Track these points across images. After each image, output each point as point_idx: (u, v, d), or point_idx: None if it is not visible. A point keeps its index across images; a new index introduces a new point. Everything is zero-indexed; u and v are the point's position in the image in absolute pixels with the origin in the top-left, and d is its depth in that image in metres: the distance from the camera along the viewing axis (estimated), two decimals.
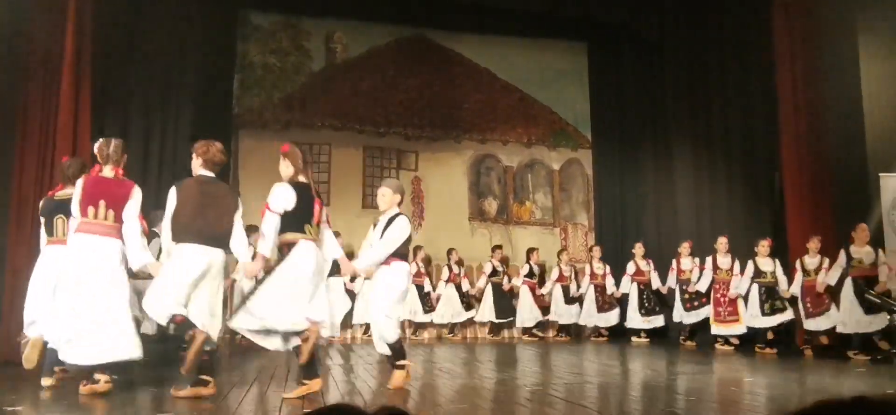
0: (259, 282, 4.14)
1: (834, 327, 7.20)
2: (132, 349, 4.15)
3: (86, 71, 6.51)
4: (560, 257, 10.16)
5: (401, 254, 4.59)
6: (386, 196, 4.71)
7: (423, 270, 9.81)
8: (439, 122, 10.88)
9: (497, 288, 9.93)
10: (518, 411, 3.93)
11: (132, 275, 6.01)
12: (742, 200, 8.79)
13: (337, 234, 8.91)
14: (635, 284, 9.38)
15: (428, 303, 9.71)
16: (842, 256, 7.12)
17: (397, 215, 4.62)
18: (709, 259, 8.36)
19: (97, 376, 4.05)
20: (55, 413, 3.76)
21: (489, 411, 4.01)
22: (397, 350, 4.48)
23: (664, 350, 8.07)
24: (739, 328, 7.99)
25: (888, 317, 6.72)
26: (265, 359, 6.30)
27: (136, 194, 4.34)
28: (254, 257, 4.26)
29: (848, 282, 7.07)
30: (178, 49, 8.68)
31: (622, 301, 9.62)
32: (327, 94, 10.53)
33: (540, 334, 10.05)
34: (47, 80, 6.33)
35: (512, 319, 10.03)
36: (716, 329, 8.18)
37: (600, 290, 9.69)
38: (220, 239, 4.19)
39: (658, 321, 9.19)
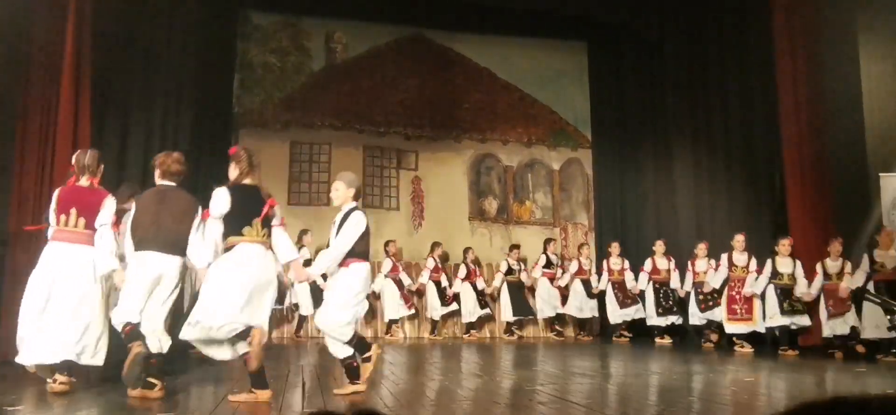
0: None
1: (856, 332, 7.11)
2: (92, 356, 4.27)
3: (86, 71, 6.51)
4: (581, 251, 10.07)
5: (358, 252, 4.26)
6: (339, 190, 4.42)
7: (440, 266, 9.86)
8: (439, 121, 10.89)
9: (513, 286, 9.93)
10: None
11: None
12: (742, 199, 8.78)
13: (305, 231, 9.01)
14: (651, 283, 9.18)
15: (445, 299, 9.75)
16: (865, 259, 7.07)
17: (352, 210, 4.31)
18: (724, 256, 8.13)
19: (56, 376, 4.17)
20: (56, 413, 3.76)
21: None
22: (359, 344, 4.26)
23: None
24: (753, 327, 7.79)
25: (888, 317, 6.71)
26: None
27: (108, 203, 4.46)
28: None
29: (870, 286, 7.02)
30: (178, 49, 8.68)
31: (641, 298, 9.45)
32: (327, 93, 10.54)
33: (559, 328, 10.05)
34: (47, 80, 6.33)
35: (530, 316, 10.03)
36: (729, 327, 7.98)
37: (619, 286, 9.54)
38: (176, 246, 4.24)
39: (675, 319, 8.95)
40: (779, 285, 7.55)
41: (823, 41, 7.82)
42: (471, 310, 9.81)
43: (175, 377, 4.73)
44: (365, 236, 4.28)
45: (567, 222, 11.25)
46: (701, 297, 8.41)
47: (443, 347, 8.47)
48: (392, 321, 9.63)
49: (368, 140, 10.56)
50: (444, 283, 9.84)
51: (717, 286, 8.15)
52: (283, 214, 4.39)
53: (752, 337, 7.95)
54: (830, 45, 7.81)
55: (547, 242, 10.31)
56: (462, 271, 9.88)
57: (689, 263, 8.67)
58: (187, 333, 3.91)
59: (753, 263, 7.87)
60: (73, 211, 4.35)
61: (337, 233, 4.26)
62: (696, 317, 8.54)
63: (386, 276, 9.51)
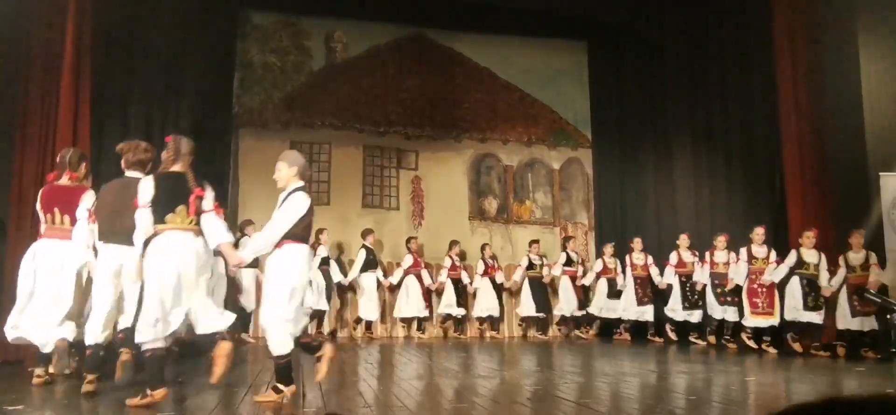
0: None
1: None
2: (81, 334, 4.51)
3: (86, 71, 6.52)
4: (605, 250, 9.93)
5: (296, 235, 3.95)
6: (280, 171, 4.13)
7: (458, 264, 9.90)
8: (439, 121, 10.89)
9: (534, 282, 9.93)
10: None
11: None
12: (742, 198, 8.79)
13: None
14: (677, 276, 8.96)
15: (463, 297, 9.80)
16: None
17: (294, 191, 4.04)
18: (743, 250, 8.01)
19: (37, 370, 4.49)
20: (57, 412, 3.77)
21: None
22: (307, 345, 4.02)
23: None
24: (774, 320, 7.66)
25: (888, 316, 6.71)
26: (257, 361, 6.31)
27: (85, 197, 4.63)
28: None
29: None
30: (178, 48, 8.70)
31: (663, 293, 9.22)
32: (327, 93, 10.54)
33: (582, 335, 9.95)
34: (47, 79, 6.34)
35: (549, 313, 10.00)
36: (751, 321, 7.82)
37: (642, 282, 9.37)
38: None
39: (697, 316, 8.72)
40: (805, 275, 7.39)
41: (823, 41, 7.82)
42: (490, 307, 9.86)
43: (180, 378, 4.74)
44: (305, 219, 4.00)
45: (567, 222, 11.25)
46: (719, 290, 8.25)
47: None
48: (404, 319, 9.76)
49: (368, 140, 10.56)
50: (465, 280, 9.91)
51: (741, 282, 7.98)
52: (217, 202, 4.22)
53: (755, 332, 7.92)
54: (830, 44, 7.82)
55: (566, 239, 10.36)
56: (480, 267, 9.96)
57: (708, 254, 8.51)
58: (146, 334, 3.79)
59: (773, 254, 7.74)
60: (56, 209, 4.62)
61: None
62: (714, 310, 8.37)
63: (406, 271, 9.66)
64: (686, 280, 8.82)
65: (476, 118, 11.08)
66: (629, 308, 9.40)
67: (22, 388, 4.42)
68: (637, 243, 9.58)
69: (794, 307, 7.40)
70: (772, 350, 7.56)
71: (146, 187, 3.99)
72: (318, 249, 9.20)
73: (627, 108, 11.06)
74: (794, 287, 7.45)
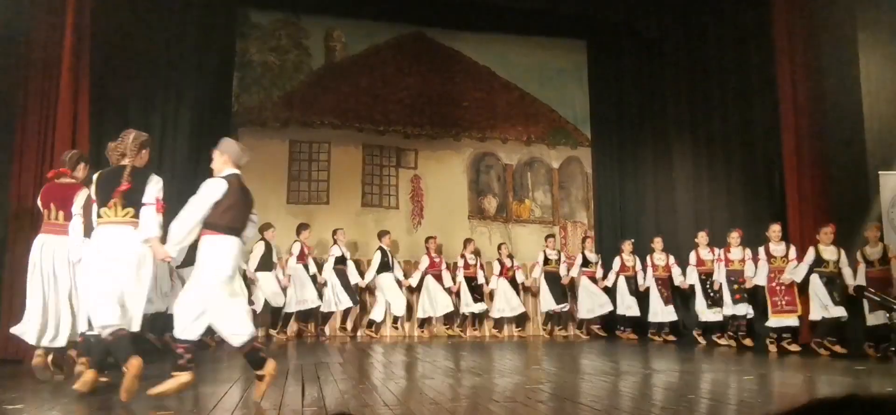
0: None
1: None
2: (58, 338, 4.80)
3: (84, 70, 6.51)
4: (623, 247, 9.74)
5: (215, 225, 3.83)
6: (215, 160, 4.12)
7: (472, 263, 9.93)
8: (439, 120, 10.89)
9: (550, 276, 9.92)
10: None
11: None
12: (742, 197, 8.79)
13: (338, 229, 9.14)
14: (698, 275, 8.70)
15: (479, 294, 9.83)
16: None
17: (214, 178, 3.96)
18: (761, 249, 7.80)
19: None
20: (55, 410, 3.75)
21: None
22: (255, 358, 3.83)
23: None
24: (796, 318, 7.45)
25: (888, 315, 6.71)
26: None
27: (78, 196, 4.84)
28: None
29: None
30: (177, 47, 8.69)
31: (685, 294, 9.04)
32: (327, 92, 10.54)
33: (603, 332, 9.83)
34: (46, 78, 6.33)
35: (567, 304, 9.98)
36: (774, 321, 7.59)
37: (663, 282, 9.16)
38: None
39: (719, 315, 8.40)
40: (825, 273, 7.20)
41: (823, 40, 7.82)
42: (512, 306, 9.90)
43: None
44: (222, 207, 3.84)
45: (566, 221, 11.26)
46: (736, 287, 8.06)
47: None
48: (424, 320, 9.81)
49: (368, 139, 10.56)
50: (481, 279, 9.95)
51: (762, 282, 7.77)
52: (160, 197, 4.16)
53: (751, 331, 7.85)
54: (830, 43, 7.81)
55: (584, 239, 10.35)
56: (496, 267, 10.01)
57: (723, 252, 8.31)
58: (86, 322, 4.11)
59: (792, 251, 7.56)
60: (52, 206, 4.90)
61: None
62: (728, 306, 8.20)
63: (424, 272, 9.74)
64: (706, 278, 8.59)
65: (475, 117, 11.08)
66: (656, 311, 9.14)
67: (22, 387, 4.41)
68: (658, 243, 9.34)
69: (824, 306, 7.14)
70: (793, 347, 7.35)
71: (93, 184, 4.19)
72: (332, 248, 9.36)
73: (627, 107, 11.07)
74: (817, 285, 7.23)
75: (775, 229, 7.71)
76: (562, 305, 9.87)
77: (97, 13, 6.75)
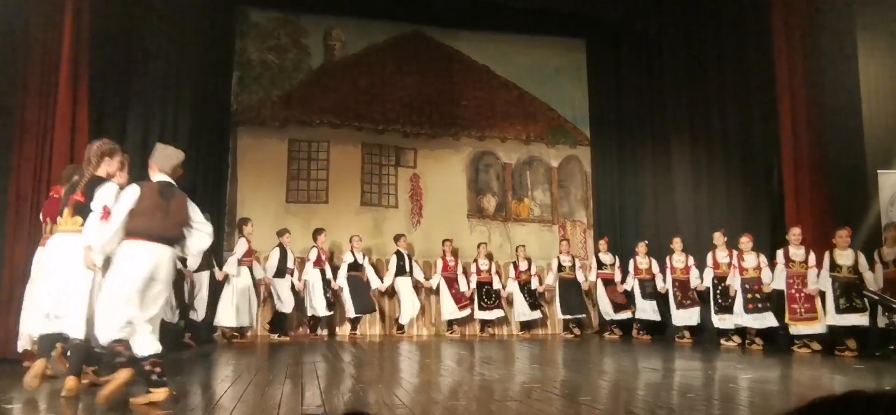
0: None
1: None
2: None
3: (83, 69, 6.50)
4: (638, 249, 9.49)
5: (131, 230, 3.78)
6: (151, 167, 4.06)
7: (483, 268, 9.96)
8: (438, 119, 10.89)
9: (563, 283, 9.91)
10: None
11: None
12: (741, 196, 8.78)
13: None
14: (713, 278, 8.38)
15: (493, 300, 9.86)
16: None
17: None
18: (779, 252, 7.53)
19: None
20: (51, 409, 3.75)
21: None
22: (132, 359, 3.72)
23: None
24: (818, 327, 7.14)
25: (887, 315, 6.70)
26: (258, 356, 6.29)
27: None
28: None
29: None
30: (176, 46, 8.68)
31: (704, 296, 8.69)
32: (326, 91, 10.53)
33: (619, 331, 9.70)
34: (45, 78, 6.32)
35: (583, 315, 9.92)
36: (794, 329, 7.34)
37: (680, 285, 8.84)
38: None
39: (730, 323, 8.10)
40: (838, 278, 6.98)
41: (822, 39, 7.81)
42: (522, 311, 9.93)
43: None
44: (134, 211, 3.78)
45: (566, 220, 11.26)
46: (750, 296, 7.77)
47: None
48: (450, 322, 9.87)
49: (367, 138, 10.56)
50: (497, 285, 9.99)
51: (781, 286, 7.49)
52: (109, 204, 3.99)
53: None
54: (829, 42, 7.81)
55: (599, 241, 10.27)
56: (512, 271, 10.05)
57: (736, 257, 8.00)
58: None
59: (812, 257, 7.27)
60: (48, 219, 4.96)
61: None
62: (742, 317, 7.86)
63: (442, 275, 9.80)
64: (718, 282, 8.26)
65: (474, 116, 11.08)
66: (676, 313, 8.85)
67: (18, 385, 4.40)
68: (677, 244, 8.99)
69: (830, 313, 7.00)
70: (815, 345, 7.15)
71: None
72: (345, 256, 9.47)
73: (626, 106, 11.07)
74: (828, 291, 7.04)
75: (795, 232, 7.41)
76: (575, 315, 9.84)
77: (96, 12, 6.75)
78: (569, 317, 9.88)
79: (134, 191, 3.84)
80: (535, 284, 10.04)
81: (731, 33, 8.99)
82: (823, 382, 5.11)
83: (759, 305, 7.72)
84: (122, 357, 3.69)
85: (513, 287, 10.00)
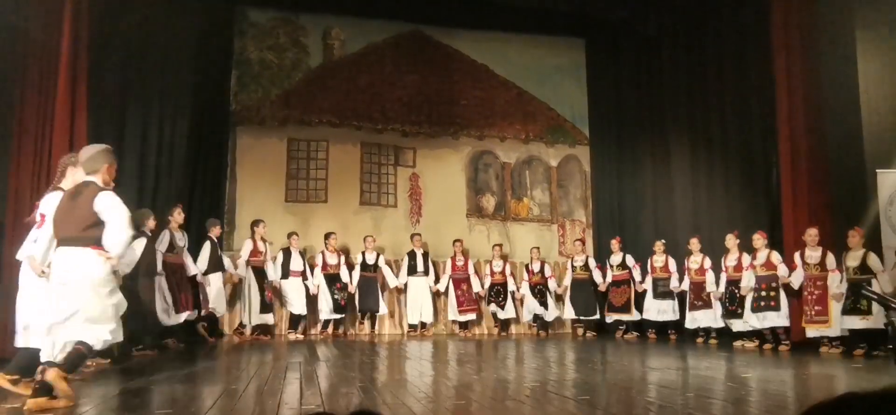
0: None
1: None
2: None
3: (82, 68, 6.50)
4: (655, 248, 9.30)
5: (54, 237, 3.80)
6: (77, 170, 4.04)
7: (500, 268, 9.99)
8: (437, 118, 10.88)
9: (575, 284, 9.91)
10: None
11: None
12: (740, 195, 8.78)
13: (369, 236, 9.35)
14: (726, 280, 8.20)
15: (504, 298, 9.89)
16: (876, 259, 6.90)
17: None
18: (797, 255, 7.37)
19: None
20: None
21: None
22: (25, 366, 3.76)
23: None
24: (829, 329, 7.05)
25: (886, 315, 6.68)
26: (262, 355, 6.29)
27: None
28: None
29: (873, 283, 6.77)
30: (175, 45, 8.68)
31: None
32: (325, 90, 10.52)
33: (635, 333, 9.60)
34: (44, 77, 6.32)
35: (594, 317, 9.85)
36: (808, 331, 7.28)
37: (695, 287, 8.62)
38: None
39: (739, 325, 7.96)
40: (847, 280, 6.91)
41: (821, 38, 7.81)
42: (533, 311, 9.97)
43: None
44: (53, 219, 3.80)
45: (565, 219, 11.26)
46: (755, 295, 7.68)
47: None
48: (455, 322, 9.95)
49: (366, 137, 10.55)
50: (512, 286, 10.01)
51: (797, 285, 7.38)
52: (46, 212, 3.99)
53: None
54: (828, 42, 7.81)
55: (610, 241, 10.18)
56: (526, 273, 10.08)
57: (750, 256, 7.85)
58: None
59: (831, 259, 7.17)
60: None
61: None
62: (750, 319, 7.72)
63: (451, 276, 9.85)
64: (729, 285, 8.10)
65: (474, 115, 11.08)
66: (688, 314, 8.70)
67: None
68: (694, 244, 8.74)
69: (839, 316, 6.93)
70: (834, 350, 7.02)
71: None
72: (364, 255, 9.55)
73: (625, 105, 11.07)
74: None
75: (812, 233, 7.27)
76: (585, 317, 9.83)
77: (95, 11, 6.74)
78: (580, 318, 9.90)
79: (53, 198, 3.92)
80: (552, 285, 10.06)
81: (730, 33, 8.99)
82: (811, 383, 5.12)
83: (762, 304, 7.63)
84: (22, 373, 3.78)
85: (526, 289, 9.99)
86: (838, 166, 7.65)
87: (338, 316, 9.31)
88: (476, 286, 9.90)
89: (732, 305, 8.03)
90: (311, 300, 9.29)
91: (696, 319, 8.60)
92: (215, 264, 8.27)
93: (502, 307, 9.88)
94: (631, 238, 10.14)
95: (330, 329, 9.36)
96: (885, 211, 7.55)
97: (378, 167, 10.57)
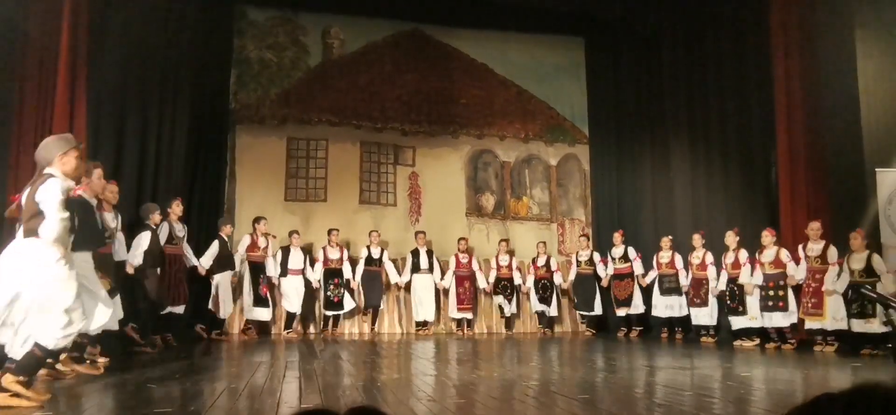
0: None
1: None
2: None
3: (81, 67, 6.49)
4: (662, 244, 9.24)
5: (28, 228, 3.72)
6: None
7: (504, 264, 10.00)
8: (436, 117, 10.88)
9: (579, 279, 9.97)
10: None
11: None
12: (739, 194, 8.79)
13: (373, 230, 9.41)
14: (727, 278, 8.21)
15: (510, 292, 9.91)
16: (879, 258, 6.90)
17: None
18: (800, 248, 7.40)
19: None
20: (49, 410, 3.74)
21: None
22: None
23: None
24: (824, 323, 7.08)
25: (886, 314, 6.69)
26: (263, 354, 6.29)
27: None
28: None
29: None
30: (174, 44, 8.67)
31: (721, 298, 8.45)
32: (324, 89, 10.52)
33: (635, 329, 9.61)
34: (43, 76, 6.31)
35: (595, 313, 9.88)
36: (805, 323, 7.30)
37: (695, 283, 8.64)
38: None
39: (741, 322, 7.98)
40: (850, 283, 6.89)
41: (820, 37, 7.82)
42: (537, 306, 10.00)
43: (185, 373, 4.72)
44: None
45: (564, 218, 11.26)
46: (763, 294, 7.64)
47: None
48: (454, 319, 9.95)
49: (365, 136, 10.55)
50: (518, 280, 10.02)
51: (801, 279, 7.37)
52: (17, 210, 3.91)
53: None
54: (827, 41, 7.81)
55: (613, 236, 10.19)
56: (531, 268, 10.10)
57: (757, 253, 7.79)
58: None
59: (833, 252, 7.14)
60: None
61: None
62: (756, 315, 7.73)
63: (455, 273, 9.85)
64: (729, 282, 8.11)
65: (473, 114, 11.07)
66: (697, 312, 8.67)
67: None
68: (697, 239, 8.73)
69: (841, 318, 6.95)
70: (828, 349, 7.08)
71: None
72: (369, 250, 9.59)
73: (624, 104, 11.07)
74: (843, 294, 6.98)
75: (814, 227, 7.27)
76: (588, 311, 9.86)
77: (94, 10, 6.73)
78: (583, 313, 9.97)
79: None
80: (558, 279, 10.08)
81: (730, 32, 9.00)
82: (811, 383, 5.12)
83: (770, 304, 7.61)
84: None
85: (531, 283, 10.02)
86: (838, 165, 7.66)
87: (331, 313, 9.29)
88: (481, 282, 9.90)
89: (733, 302, 8.02)
90: (309, 299, 9.29)
91: (695, 315, 8.64)
92: (223, 263, 8.30)
93: (509, 301, 9.91)
94: (631, 237, 10.13)
95: (329, 326, 9.36)
96: (884, 210, 7.57)
97: (377, 166, 10.57)
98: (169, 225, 7.48)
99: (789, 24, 7.93)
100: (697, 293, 8.61)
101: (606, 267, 9.82)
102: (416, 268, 9.73)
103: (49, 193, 3.72)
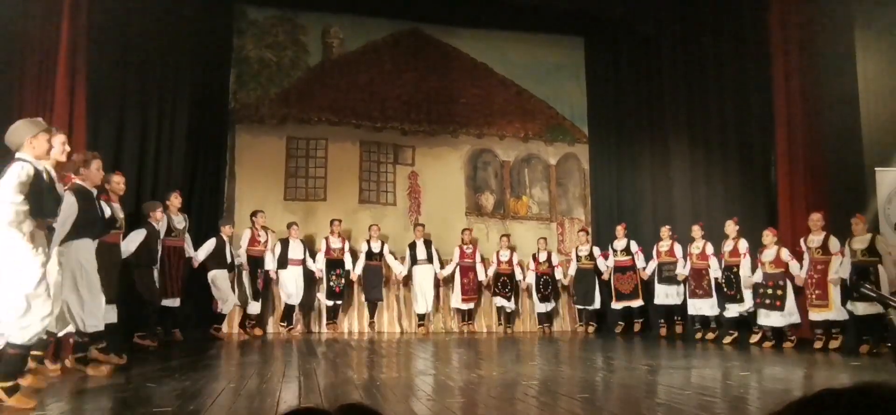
0: None
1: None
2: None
3: (81, 67, 6.49)
4: (662, 233, 9.23)
5: None
6: None
7: (504, 260, 9.99)
8: (436, 116, 10.88)
9: (579, 273, 9.98)
10: None
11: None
12: (738, 194, 8.79)
13: (374, 229, 9.46)
14: (725, 267, 8.24)
15: (509, 288, 9.90)
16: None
17: None
18: (802, 242, 7.41)
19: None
20: (47, 402, 3.74)
21: None
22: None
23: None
24: (830, 314, 7.09)
25: (885, 311, 6.70)
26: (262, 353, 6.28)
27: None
28: None
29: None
30: (174, 44, 8.67)
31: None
32: (324, 88, 10.52)
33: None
34: (42, 76, 6.31)
35: (594, 306, 9.87)
36: (810, 315, 7.30)
37: (695, 274, 8.61)
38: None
39: (734, 310, 8.07)
40: (853, 263, 6.94)
41: (820, 36, 7.82)
42: (537, 302, 10.02)
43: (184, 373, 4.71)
44: None
45: (564, 217, 11.26)
46: (761, 291, 7.66)
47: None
48: (460, 313, 9.98)
49: (365, 135, 10.55)
50: (519, 276, 10.04)
51: (803, 274, 7.40)
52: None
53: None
54: (827, 39, 7.81)
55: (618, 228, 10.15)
56: (531, 263, 10.10)
57: (759, 252, 7.80)
58: None
59: (834, 242, 7.18)
60: None
61: None
62: (758, 314, 7.72)
63: (457, 265, 9.86)
64: (726, 270, 8.13)
65: (473, 114, 11.08)
66: (688, 302, 8.73)
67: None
68: (696, 231, 8.70)
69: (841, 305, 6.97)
70: (833, 343, 7.07)
71: None
72: (362, 244, 9.61)
73: (624, 103, 11.06)
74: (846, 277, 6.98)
75: (815, 218, 7.32)
76: (587, 306, 9.86)
77: (94, 10, 6.73)
78: (580, 307, 10.00)
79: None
80: (559, 275, 10.10)
81: (729, 31, 9.00)
82: (795, 380, 5.12)
83: (768, 303, 7.61)
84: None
85: (532, 279, 10.03)
86: (837, 164, 7.66)
87: (330, 303, 9.28)
88: (481, 275, 9.90)
89: (730, 289, 8.08)
90: (308, 291, 9.29)
91: (696, 306, 8.65)
92: (219, 261, 8.28)
93: (509, 299, 9.90)
94: (630, 236, 10.13)
95: (327, 322, 9.39)
96: (883, 209, 7.57)
97: (377, 165, 10.57)
98: (167, 217, 7.50)
99: (789, 24, 7.93)
100: (700, 284, 8.59)
101: (607, 260, 9.83)
102: (414, 260, 9.72)
103: (6, 178, 3.68)
